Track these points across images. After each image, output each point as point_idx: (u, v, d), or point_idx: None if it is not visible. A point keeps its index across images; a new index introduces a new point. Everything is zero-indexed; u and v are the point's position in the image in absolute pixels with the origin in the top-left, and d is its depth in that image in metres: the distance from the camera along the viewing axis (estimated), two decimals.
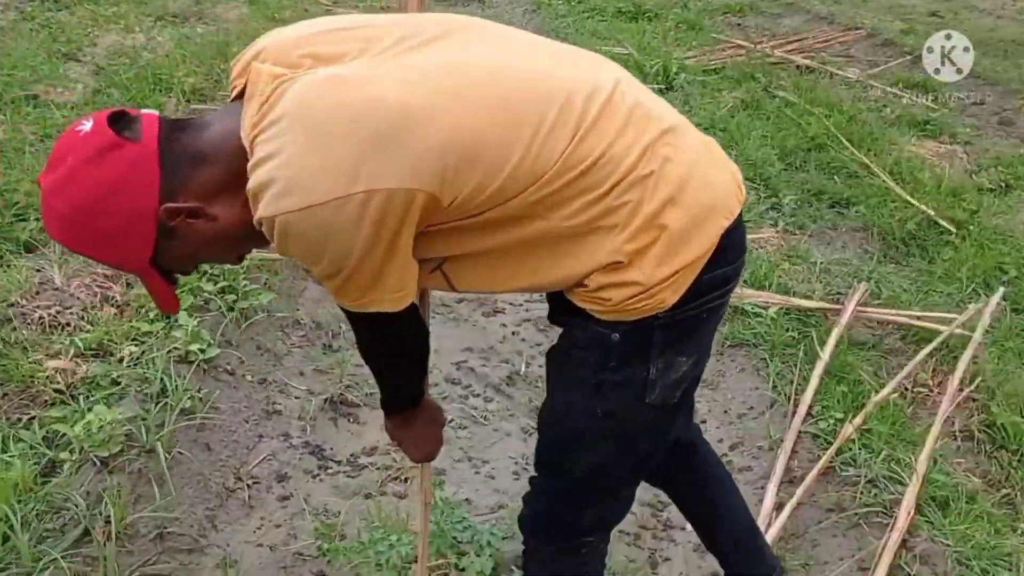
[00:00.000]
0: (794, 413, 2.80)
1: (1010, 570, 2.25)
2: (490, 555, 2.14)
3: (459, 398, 3.03)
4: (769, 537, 2.34)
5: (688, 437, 1.93)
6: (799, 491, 2.50)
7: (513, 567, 2.19)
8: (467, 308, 3.60)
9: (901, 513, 2.33)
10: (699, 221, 1.35)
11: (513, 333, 3.43)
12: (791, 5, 10.00)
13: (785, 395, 2.90)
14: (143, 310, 2.90)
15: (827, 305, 3.32)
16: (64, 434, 2.30)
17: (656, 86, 6.43)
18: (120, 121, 1.23)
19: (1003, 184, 4.94)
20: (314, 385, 2.99)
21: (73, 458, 2.24)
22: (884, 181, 4.82)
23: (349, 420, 2.87)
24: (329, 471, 2.63)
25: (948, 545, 2.27)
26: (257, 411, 2.78)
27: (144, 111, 1.27)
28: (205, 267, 3.09)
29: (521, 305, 3.64)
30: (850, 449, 2.63)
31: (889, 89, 6.83)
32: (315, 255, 1.24)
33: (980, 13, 10.21)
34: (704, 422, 2.92)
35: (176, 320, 2.79)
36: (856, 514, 2.41)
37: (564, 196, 1.29)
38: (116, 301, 2.97)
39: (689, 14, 8.80)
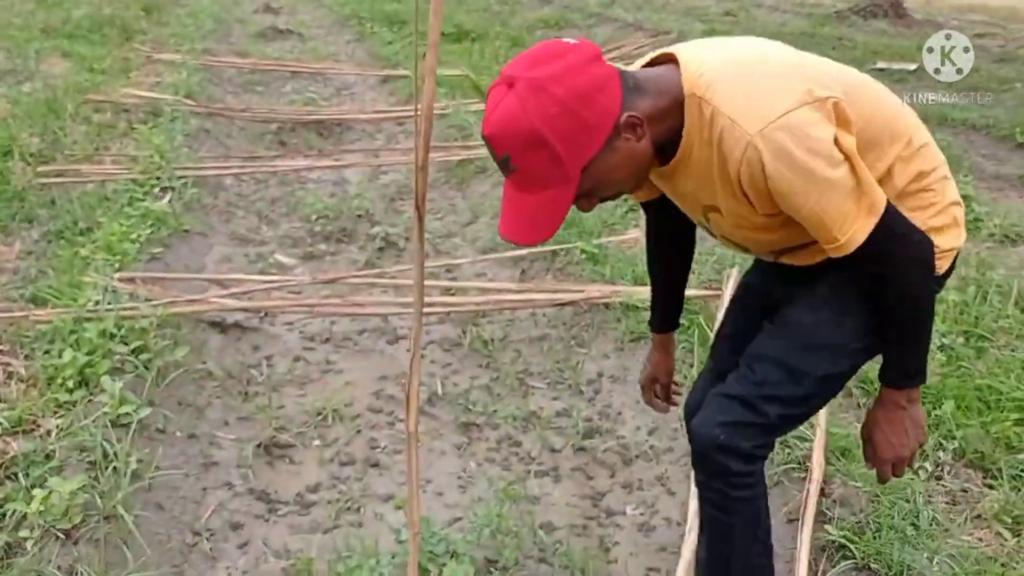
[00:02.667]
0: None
1: (907, 501, 2.58)
2: (468, 561, 2.27)
3: (387, 424, 3.12)
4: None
5: None
6: None
7: (493, 569, 2.33)
8: (370, 339, 3.69)
9: (814, 466, 2.62)
10: (961, 224, 1.70)
11: (421, 357, 3.54)
12: (600, 15, 10.58)
13: (687, 377, 3.16)
14: (54, 381, 2.84)
15: (706, 292, 3.62)
16: (14, 512, 2.25)
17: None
18: None
19: None
20: (242, 432, 3.00)
21: (34, 535, 2.19)
22: None
23: (285, 461, 2.91)
24: (279, 513, 2.67)
25: (858, 487, 2.58)
26: (195, 465, 2.78)
27: None
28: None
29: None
30: None
31: None
32: (812, 150, 1.43)
33: (768, 10, 11.14)
34: (620, 414, 3.15)
35: (98, 387, 2.76)
36: (775, 473, 2.68)
37: (907, 166, 1.61)
38: (22, 375, 2.88)
39: (510, 31, 9.16)
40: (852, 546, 2.37)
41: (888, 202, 1.53)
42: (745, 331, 1.91)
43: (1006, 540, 2.47)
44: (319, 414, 3.13)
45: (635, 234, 4.38)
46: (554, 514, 2.69)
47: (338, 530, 2.59)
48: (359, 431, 3.08)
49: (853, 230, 1.50)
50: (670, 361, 2.14)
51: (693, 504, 2.59)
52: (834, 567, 2.33)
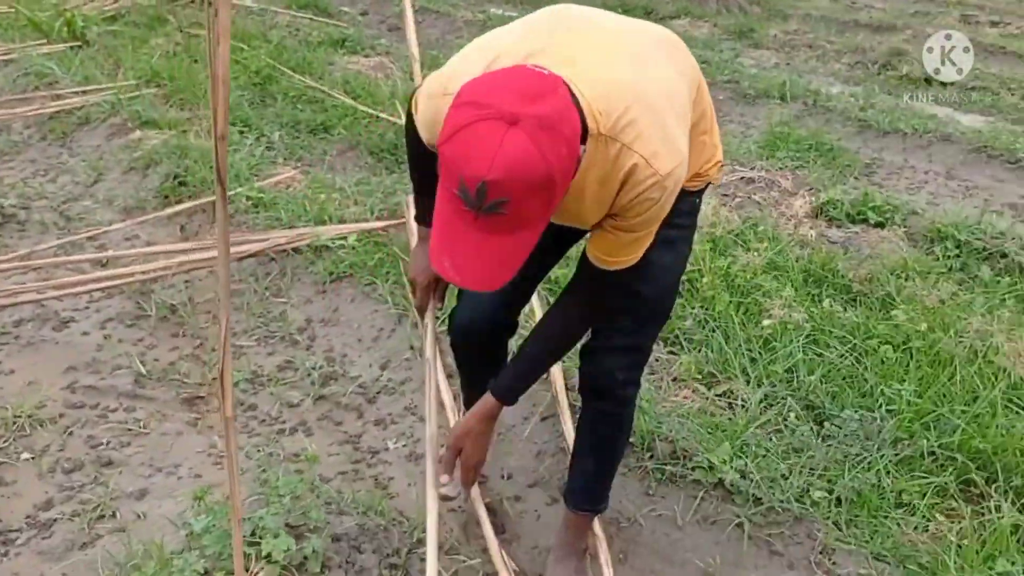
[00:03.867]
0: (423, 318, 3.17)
1: None
2: (283, 532, 2.20)
3: (99, 418, 2.82)
4: None
5: None
6: None
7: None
8: (32, 329, 3.25)
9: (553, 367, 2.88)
10: None
11: (105, 337, 3.21)
12: None
13: (406, 307, 3.25)
14: None
15: (392, 221, 3.70)
16: None
17: (67, 44, 5.99)
18: None
19: None
20: None
21: None
22: (345, 101, 5.26)
23: None
24: (17, 543, 2.33)
25: None
26: None
27: None
28: None
29: (87, 308, 3.39)
30: None
31: (292, 12, 7.23)
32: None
33: None
34: (345, 356, 3.16)
35: None
36: None
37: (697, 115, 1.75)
38: None
39: None
40: None
41: None
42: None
43: (705, 393, 2.95)
44: (13, 424, 2.73)
45: (290, 172, 4.29)
46: (320, 467, 2.67)
47: (101, 541, 2.34)
48: (70, 432, 2.75)
49: (638, 255, 1.68)
50: None
51: None
52: None
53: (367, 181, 4.29)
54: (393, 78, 5.79)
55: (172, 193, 4.05)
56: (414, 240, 2.68)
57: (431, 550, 1.94)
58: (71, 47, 5.92)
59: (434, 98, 1.64)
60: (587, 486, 2.20)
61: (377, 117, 5.03)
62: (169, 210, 3.90)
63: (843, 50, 7.48)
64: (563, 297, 1.90)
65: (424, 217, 2.05)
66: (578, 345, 2.03)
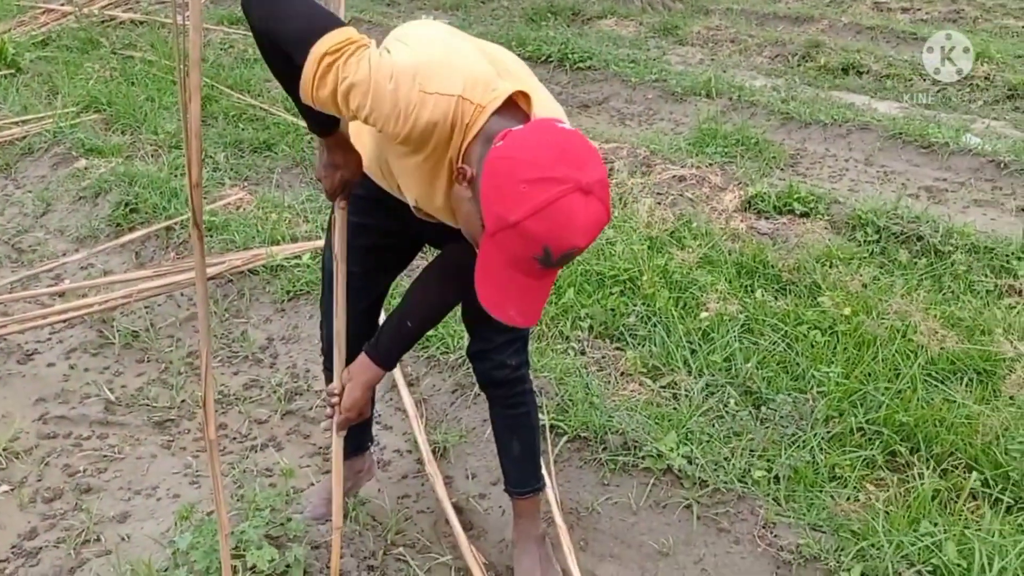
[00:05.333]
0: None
1: (569, 375, 3.14)
2: (265, 543, 2.33)
3: (73, 448, 2.91)
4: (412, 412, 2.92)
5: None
6: (423, 386, 3.08)
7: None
8: None
9: None
10: None
11: (71, 367, 3.30)
12: None
13: None
14: None
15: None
16: None
17: (0, 72, 5.98)
18: None
19: None
20: None
21: None
22: (286, 118, 5.36)
23: None
24: (6, 573, 2.43)
25: (546, 376, 3.07)
26: None
27: None
28: None
29: (50, 339, 3.47)
30: (440, 338, 3.27)
31: (224, 29, 7.27)
32: None
33: None
34: (308, 371, 3.29)
35: None
36: (473, 383, 3.07)
37: None
38: None
39: None
40: (562, 424, 2.86)
41: None
42: (391, 263, 2.24)
43: (651, 386, 3.15)
44: None
45: (239, 194, 4.39)
46: (294, 479, 2.80)
47: (89, 564, 2.45)
48: (46, 463, 2.85)
49: None
50: (355, 154, 1.93)
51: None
52: (556, 446, 2.81)
53: (315, 198, 4.41)
54: None
55: (124, 221, 4.13)
56: None
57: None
58: (4, 75, 5.92)
59: (409, 91, 1.58)
60: (520, 469, 2.41)
61: None
62: (123, 238, 3.98)
63: (764, 43, 7.77)
64: (435, 275, 2.01)
65: (319, 127, 1.83)
66: (466, 345, 2.27)
